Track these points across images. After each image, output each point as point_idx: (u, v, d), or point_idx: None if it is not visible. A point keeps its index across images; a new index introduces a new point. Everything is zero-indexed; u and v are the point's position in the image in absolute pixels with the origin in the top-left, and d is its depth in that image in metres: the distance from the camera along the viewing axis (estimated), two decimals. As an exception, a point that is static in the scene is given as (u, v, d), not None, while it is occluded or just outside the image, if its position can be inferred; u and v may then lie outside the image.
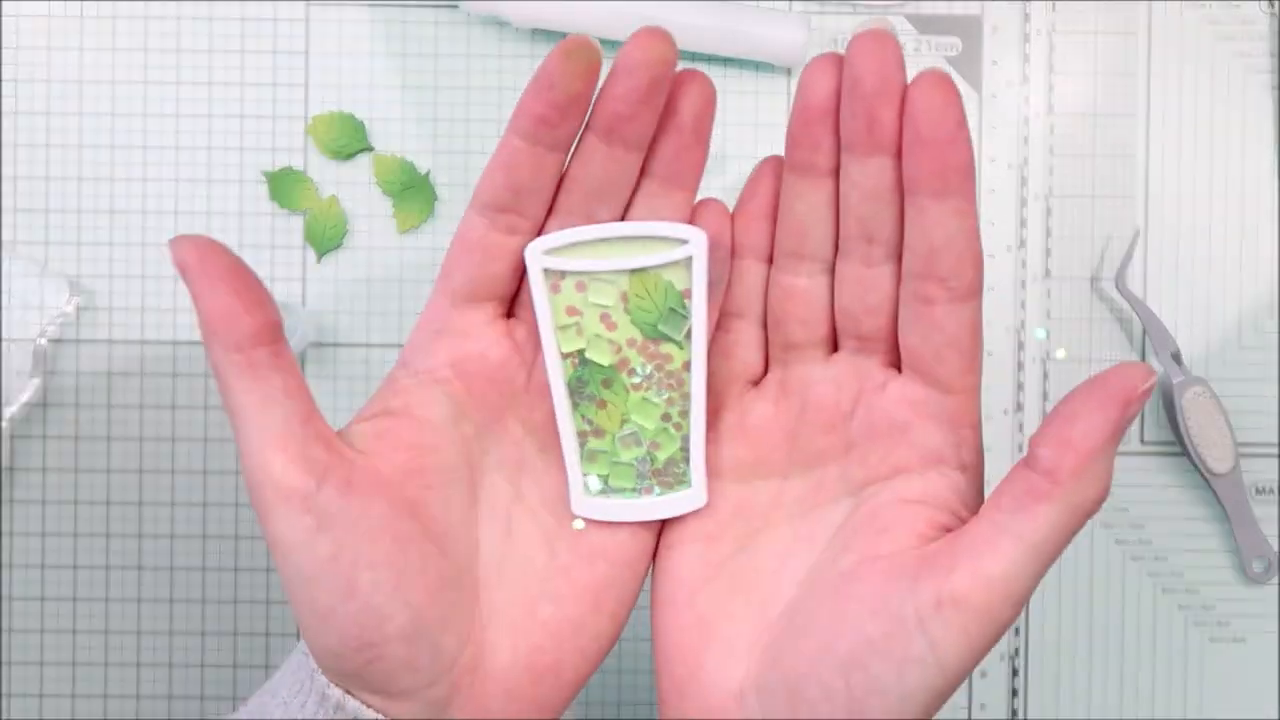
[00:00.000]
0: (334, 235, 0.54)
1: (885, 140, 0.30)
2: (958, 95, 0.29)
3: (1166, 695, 0.55)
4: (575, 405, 0.36)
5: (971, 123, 0.55)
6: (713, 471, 0.35)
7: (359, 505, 0.31)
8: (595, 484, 0.36)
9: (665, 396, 0.36)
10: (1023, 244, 0.54)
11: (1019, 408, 0.54)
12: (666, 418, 0.36)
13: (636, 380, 0.36)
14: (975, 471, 0.32)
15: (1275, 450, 0.54)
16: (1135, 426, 0.55)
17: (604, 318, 0.35)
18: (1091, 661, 0.55)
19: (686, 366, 0.36)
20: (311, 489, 0.31)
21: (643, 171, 0.34)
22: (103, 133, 0.54)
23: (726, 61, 0.54)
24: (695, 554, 0.34)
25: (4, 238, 0.53)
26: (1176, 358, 0.53)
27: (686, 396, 0.36)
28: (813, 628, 0.31)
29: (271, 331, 0.31)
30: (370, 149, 0.54)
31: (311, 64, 0.54)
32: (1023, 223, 0.55)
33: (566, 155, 0.33)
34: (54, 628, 0.54)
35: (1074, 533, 0.29)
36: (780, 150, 0.34)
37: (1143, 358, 0.55)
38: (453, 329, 0.35)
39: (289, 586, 0.31)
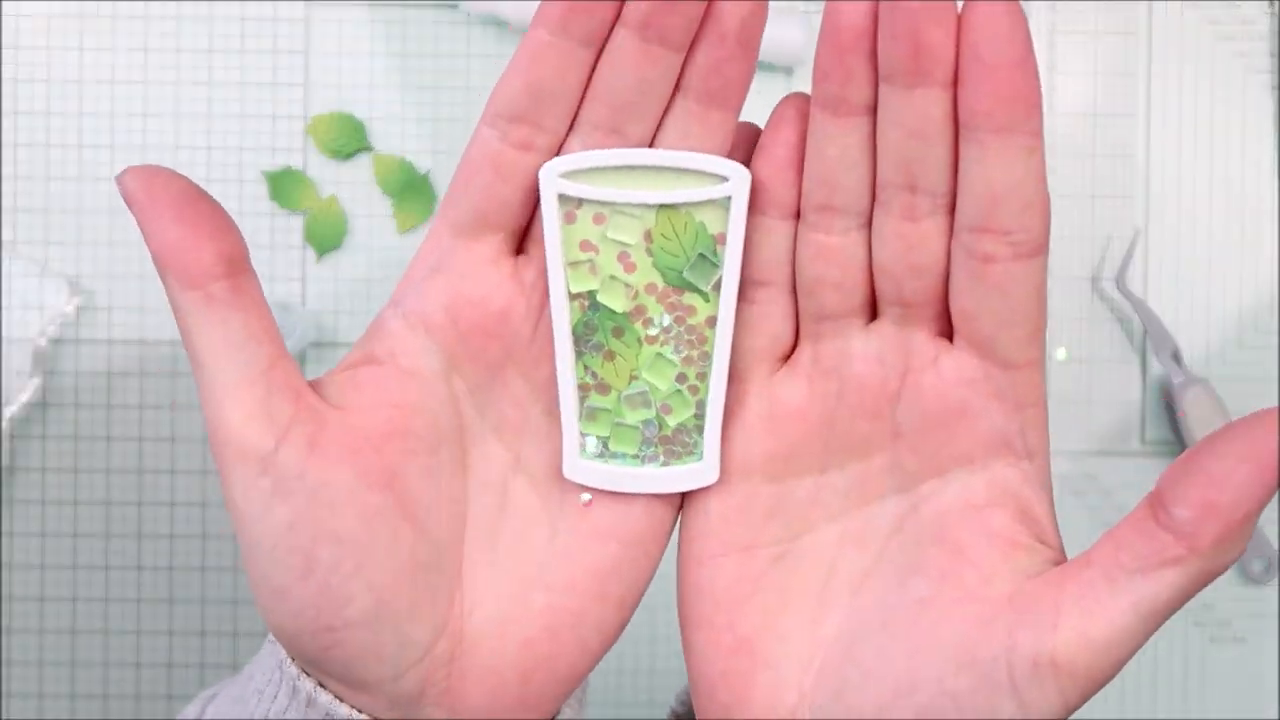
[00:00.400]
0: (334, 235, 0.54)
1: (934, 67, 0.25)
2: (1024, 18, 0.25)
3: (1167, 695, 0.54)
4: (579, 354, 0.31)
5: (971, 123, 0.55)
6: (741, 469, 0.30)
7: (323, 470, 0.28)
8: (593, 446, 0.31)
9: (683, 355, 0.31)
10: (1023, 244, 0.54)
11: (1019, 408, 0.54)
12: (682, 379, 0.31)
13: (652, 332, 0.31)
14: (1043, 459, 0.29)
15: (1275, 450, 0.54)
16: (1135, 426, 0.55)
17: (622, 257, 0.30)
18: (1091, 661, 0.55)
19: (711, 323, 0.31)
20: (269, 447, 0.27)
21: (677, 87, 0.29)
22: (103, 133, 0.54)
23: (726, 61, 0.54)
24: (730, 568, 0.30)
25: (4, 238, 0.53)
26: (1176, 358, 0.53)
27: (707, 357, 0.31)
28: (885, 669, 0.27)
29: (230, 263, 0.27)
30: (370, 149, 0.54)
31: (311, 64, 0.54)
32: (1023, 223, 0.55)
33: (596, 55, 0.28)
34: (54, 628, 0.54)
35: (1196, 594, 0.26)
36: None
37: (1143, 358, 0.55)
38: (451, 266, 0.30)
39: (245, 557, 0.28)
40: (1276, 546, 0.54)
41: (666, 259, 0.31)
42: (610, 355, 0.31)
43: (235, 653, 0.54)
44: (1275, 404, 0.56)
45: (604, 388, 0.31)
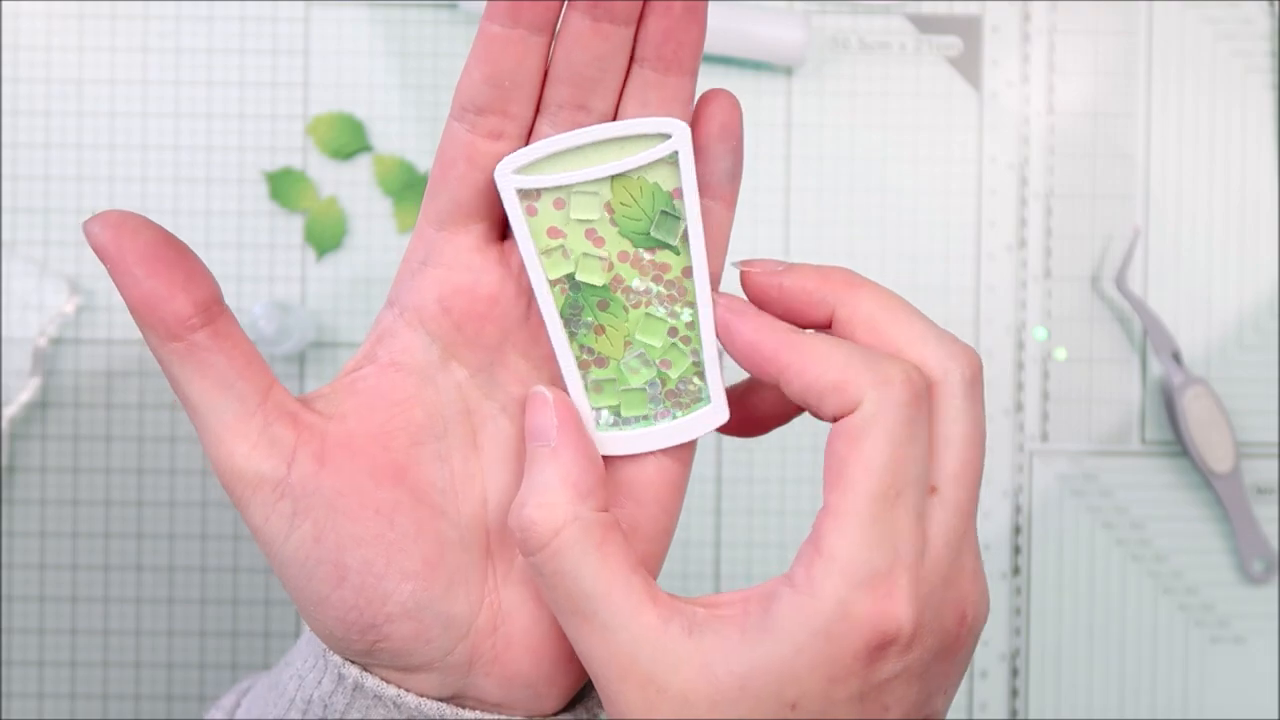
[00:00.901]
0: (334, 235, 0.54)
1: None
2: None
3: (1167, 695, 0.54)
4: (572, 335, 0.32)
5: (971, 122, 0.55)
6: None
7: (335, 480, 0.29)
8: (607, 417, 0.32)
9: (669, 309, 0.32)
10: (1023, 244, 0.54)
11: (1019, 408, 0.54)
12: (673, 332, 0.32)
13: (634, 298, 0.32)
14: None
15: (1275, 450, 0.54)
16: (1135, 426, 0.55)
17: (589, 233, 0.32)
18: (1091, 661, 0.54)
19: (688, 273, 0.32)
20: (282, 473, 0.29)
21: (633, 59, 0.31)
22: (102, 133, 0.54)
23: (727, 61, 0.54)
24: None
25: (4, 238, 0.53)
26: (1176, 358, 0.53)
27: (692, 305, 0.32)
28: None
29: (207, 309, 0.28)
30: (370, 149, 0.54)
31: (311, 64, 0.54)
32: (1023, 223, 0.55)
33: (549, 39, 0.30)
34: (54, 628, 0.54)
35: None
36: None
37: (1143, 358, 0.55)
38: (438, 259, 0.31)
39: (280, 575, 0.30)
40: (1276, 546, 0.54)
41: (631, 225, 0.32)
42: (600, 329, 0.32)
43: (235, 653, 0.54)
44: (1275, 404, 0.56)
45: (602, 360, 0.32)
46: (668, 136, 0.32)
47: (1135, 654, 0.55)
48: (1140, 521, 0.54)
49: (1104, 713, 0.55)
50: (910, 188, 0.54)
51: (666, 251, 0.32)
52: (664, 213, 0.32)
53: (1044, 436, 0.54)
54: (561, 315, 0.32)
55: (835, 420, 0.31)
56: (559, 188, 0.31)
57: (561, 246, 0.32)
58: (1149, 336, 0.54)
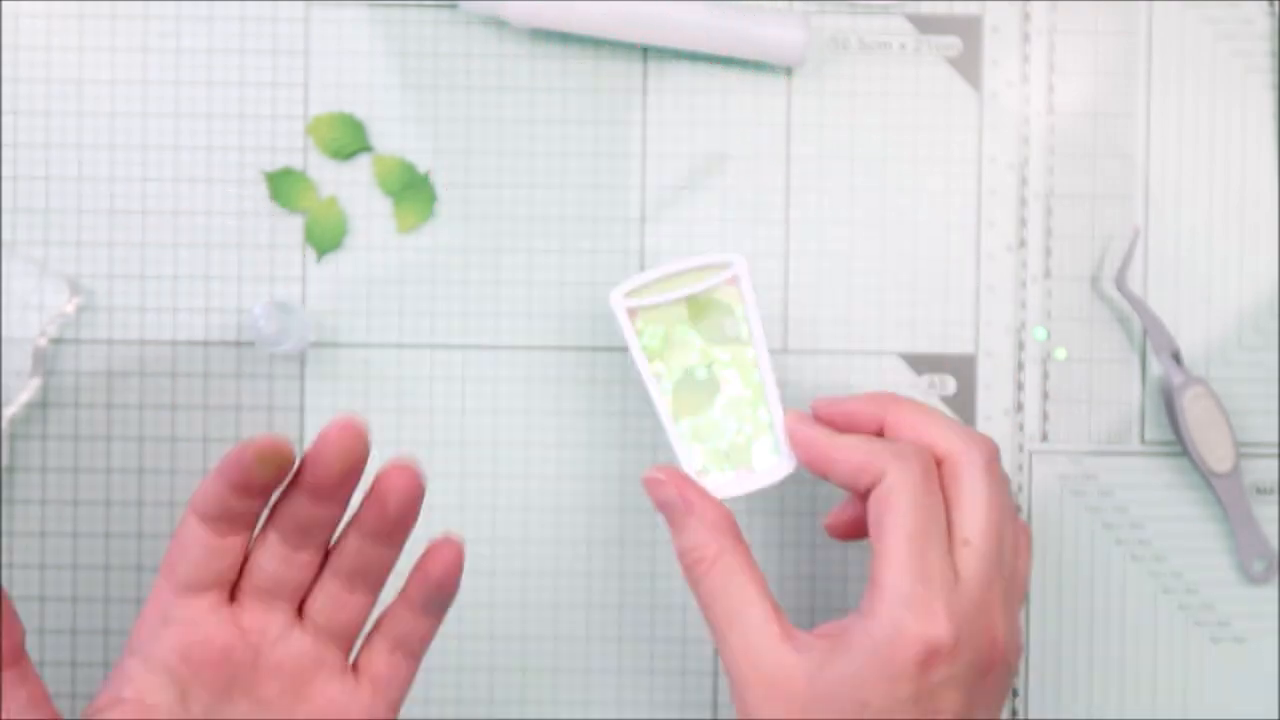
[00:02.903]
0: (334, 235, 0.54)
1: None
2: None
3: (1167, 695, 0.55)
4: (677, 417, 0.46)
5: (971, 122, 0.55)
6: None
7: None
8: (705, 469, 0.46)
9: (742, 388, 0.46)
10: (1023, 244, 0.54)
11: (1019, 408, 0.54)
12: (749, 404, 0.46)
13: (716, 377, 0.46)
14: None
15: (1275, 450, 0.54)
16: (1135, 426, 0.55)
17: (675, 334, 0.46)
18: (1091, 661, 0.55)
19: (754, 360, 0.46)
20: None
21: (327, 562, 0.42)
22: (103, 133, 0.54)
23: (726, 61, 0.54)
24: None
25: (4, 238, 0.53)
26: (1176, 358, 0.53)
27: (760, 384, 0.46)
28: None
29: (13, 652, 0.38)
30: (370, 149, 0.54)
31: (311, 64, 0.54)
32: (1023, 223, 0.55)
33: (249, 536, 0.40)
34: (54, 628, 0.54)
35: None
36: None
37: (1143, 358, 0.55)
38: (178, 617, 0.39)
39: None
40: (1276, 547, 0.54)
41: (705, 329, 0.47)
42: (695, 406, 0.46)
43: (235, 653, 0.54)
44: (1275, 404, 0.56)
45: (699, 431, 0.46)
46: (729, 265, 0.46)
47: (1135, 654, 0.55)
48: (1140, 521, 0.54)
49: (1104, 712, 0.55)
50: (910, 188, 0.54)
51: (736, 345, 0.47)
52: (729, 319, 0.47)
53: (1044, 436, 0.54)
54: (670, 393, 0.46)
55: (869, 493, 0.42)
56: (652, 306, 0.46)
57: (659, 346, 0.46)
58: (1149, 336, 0.54)
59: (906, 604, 0.40)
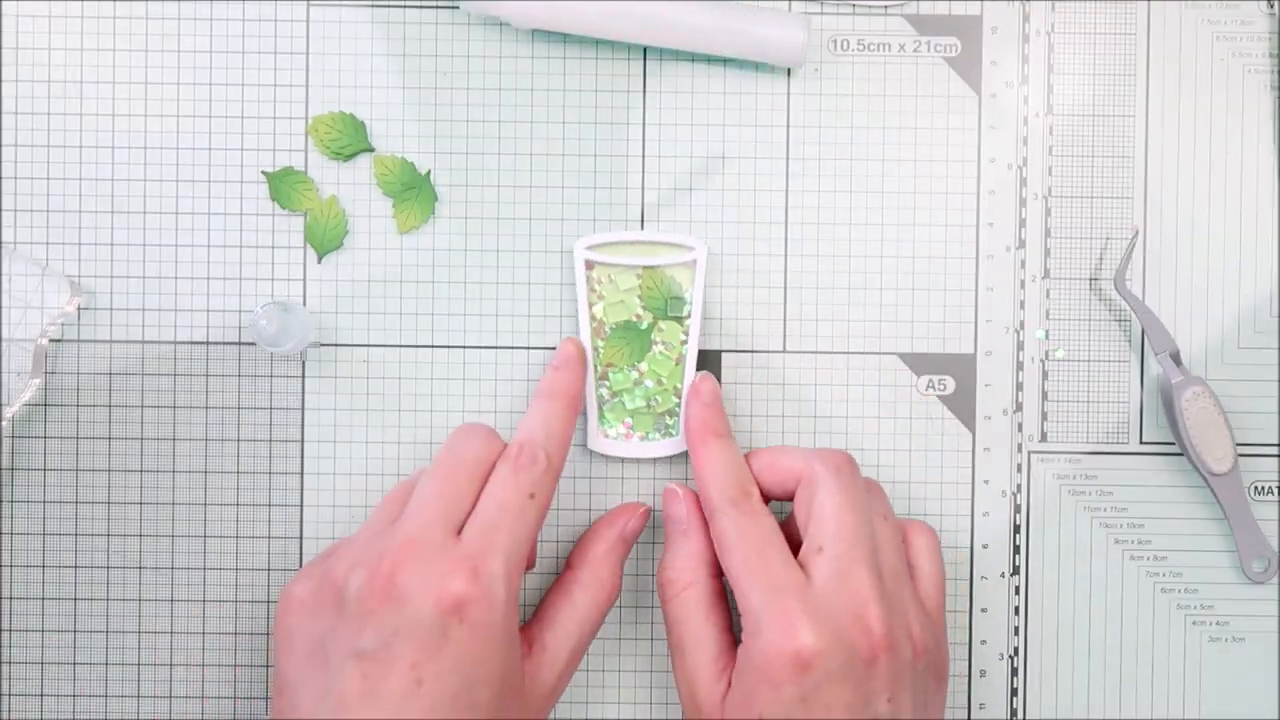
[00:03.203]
0: (334, 235, 0.54)
1: None
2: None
3: (1166, 695, 0.55)
4: (601, 371, 0.51)
5: (971, 123, 0.55)
6: None
7: None
8: (620, 430, 0.52)
9: (668, 358, 0.51)
10: (1022, 244, 0.55)
11: (1019, 408, 0.54)
12: (669, 378, 0.51)
13: (650, 345, 0.51)
14: None
15: (1275, 450, 0.54)
16: (1134, 426, 0.55)
17: (625, 295, 0.51)
18: (1091, 661, 0.55)
19: (683, 342, 0.51)
20: None
21: None
22: (103, 133, 0.54)
23: (726, 62, 0.54)
24: None
25: (4, 238, 0.54)
26: (1176, 358, 0.53)
27: (681, 361, 0.51)
28: None
29: None
30: (370, 149, 0.54)
31: (311, 64, 0.54)
32: (1022, 223, 0.55)
33: None
34: (54, 628, 0.54)
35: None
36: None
37: (1142, 358, 0.55)
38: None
39: None
40: (1276, 547, 0.54)
41: (651, 301, 0.51)
42: (625, 357, 0.51)
43: (236, 652, 0.54)
44: (1274, 404, 0.56)
45: (617, 385, 0.51)
46: (692, 248, 0.51)
47: (1134, 654, 0.55)
48: (1139, 521, 0.55)
49: (1103, 712, 0.55)
50: (910, 188, 0.54)
51: (672, 323, 0.51)
52: (676, 297, 0.51)
53: (1043, 436, 0.54)
54: (602, 341, 0.51)
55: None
56: (608, 264, 0.51)
57: (603, 302, 0.51)
58: (1148, 337, 0.54)
59: (766, 619, 0.44)
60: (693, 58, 0.54)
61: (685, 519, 0.49)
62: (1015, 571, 0.55)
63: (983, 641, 0.54)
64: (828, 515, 0.46)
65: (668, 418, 0.52)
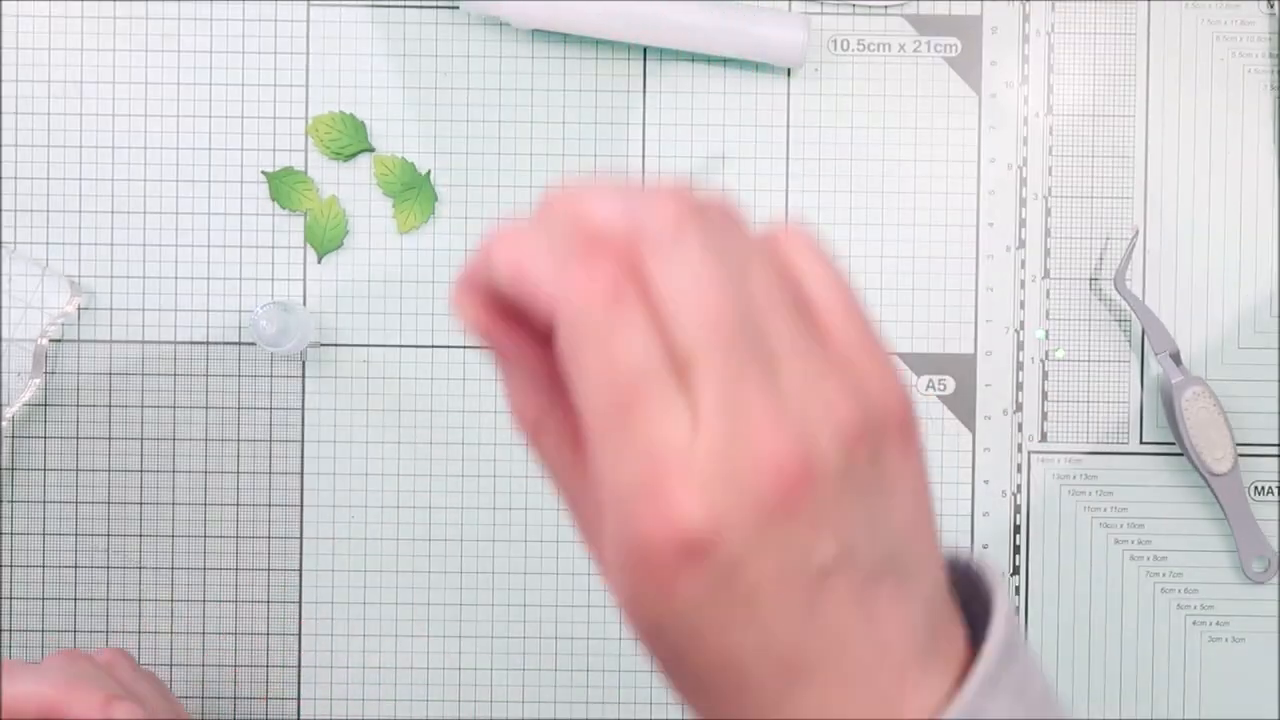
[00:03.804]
0: (334, 235, 0.54)
1: None
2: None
3: (1166, 695, 0.55)
4: None
5: (971, 123, 0.55)
6: None
7: None
8: None
9: None
10: (1022, 244, 0.55)
11: (1019, 408, 0.54)
12: None
13: None
14: None
15: (1275, 450, 0.54)
16: (1134, 426, 0.55)
17: None
18: (1091, 661, 0.55)
19: None
20: None
21: None
22: (103, 133, 0.54)
23: (726, 62, 0.54)
24: None
25: (4, 238, 0.54)
26: (1176, 358, 0.53)
27: None
28: None
29: None
30: (370, 149, 0.54)
31: (312, 64, 0.54)
32: (1022, 223, 0.55)
33: None
34: (54, 628, 0.54)
35: None
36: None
37: (1142, 358, 0.55)
38: None
39: None
40: (1276, 547, 0.54)
41: None
42: None
43: (236, 653, 0.54)
44: (1274, 404, 0.56)
45: None
46: None
47: (1134, 654, 0.55)
48: (1139, 521, 0.55)
49: (1103, 712, 0.55)
50: (910, 188, 0.54)
51: None
52: None
53: (1043, 436, 0.54)
54: None
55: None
56: None
57: None
58: (1147, 337, 0.54)
59: (625, 502, 0.27)
60: (693, 58, 0.54)
61: None
62: (1015, 571, 0.55)
63: (983, 641, 0.54)
64: (687, 301, 0.26)
65: None
